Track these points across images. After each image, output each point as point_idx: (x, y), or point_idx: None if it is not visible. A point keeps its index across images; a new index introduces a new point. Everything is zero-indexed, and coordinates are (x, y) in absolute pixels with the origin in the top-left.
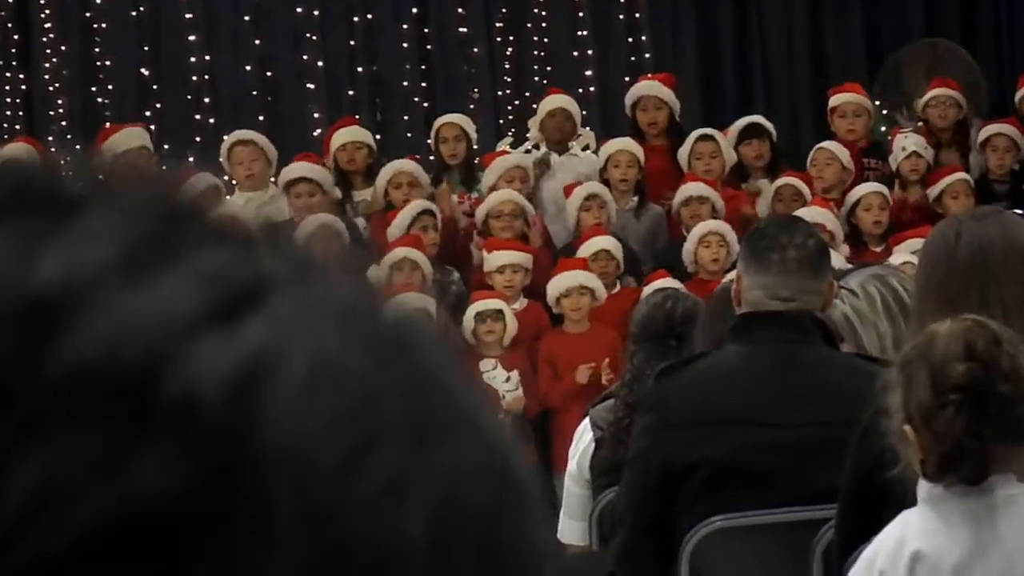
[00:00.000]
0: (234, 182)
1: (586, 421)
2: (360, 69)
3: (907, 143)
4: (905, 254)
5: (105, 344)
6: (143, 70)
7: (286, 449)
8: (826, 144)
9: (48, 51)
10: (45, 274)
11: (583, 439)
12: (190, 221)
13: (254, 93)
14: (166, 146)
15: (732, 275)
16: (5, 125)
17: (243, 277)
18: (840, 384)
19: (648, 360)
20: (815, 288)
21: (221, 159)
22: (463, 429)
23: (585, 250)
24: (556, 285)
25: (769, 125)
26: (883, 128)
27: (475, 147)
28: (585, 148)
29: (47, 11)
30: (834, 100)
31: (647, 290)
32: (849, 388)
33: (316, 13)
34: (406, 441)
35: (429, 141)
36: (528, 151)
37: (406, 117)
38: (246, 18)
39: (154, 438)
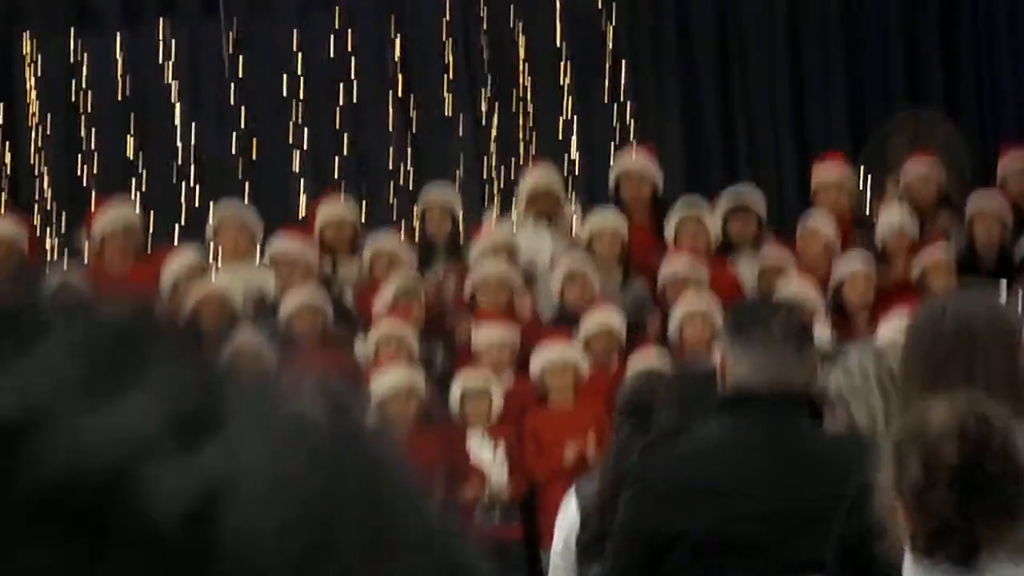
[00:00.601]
0: (220, 255)
1: (572, 496)
2: (345, 144)
3: (892, 218)
4: (891, 330)
5: (64, 467)
6: (129, 145)
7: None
8: (813, 216)
9: (33, 126)
10: (6, 401)
11: (569, 514)
12: (152, 339)
13: (239, 169)
14: (151, 220)
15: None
16: None
17: (201, 398)
18: (825, 459)
19: (633, 435)
20: (799, 364)
21: (207, 233)
22: (414, 545)
23: (587, 323)
24: (540, 360)
25: (759, 200)
26: (868, 200)
27: (460, 222)
28: (570, 219)
29: (33, 86)
30: (818, 171)
31: (632, 364)
32: (834, 463)
33: (301, 89)
34: (358, 560)
35: (415, 213)
36: (514, 223)
37: (391, 191)
38: (232, 94)
39: (111, 562)
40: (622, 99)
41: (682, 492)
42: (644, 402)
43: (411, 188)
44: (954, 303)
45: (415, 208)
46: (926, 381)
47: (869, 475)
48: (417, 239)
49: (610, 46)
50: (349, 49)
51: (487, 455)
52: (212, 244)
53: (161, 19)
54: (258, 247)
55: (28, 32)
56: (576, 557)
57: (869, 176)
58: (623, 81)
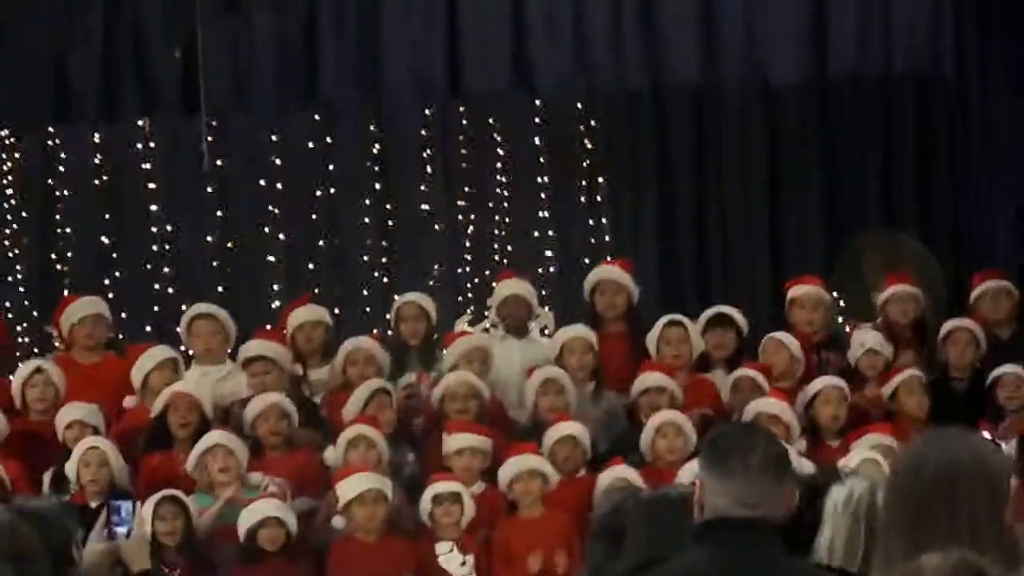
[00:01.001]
0: (192, 355)
1: None
2: (321, 243)
3: (866, 339)
4: (864, 450)
5: None
6: (103, 238)
7: None
8: (776, 334)
9: (8, 217)
10: None
11: None
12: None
13: (214, 263)
14: (124, 315)
15: (684, 472)
16: None
17: None
18: None
19: (606, 558)
20: (778, 494)
21: (180, 331)
22: None
23: (553, 434)
24: (508, 469)
25: (739, 317)
26: (839, 320)
27: (434, 327)
28: (544, 329)
29: (9, 176)
30: (793, 291)
31: (603, 477)
32: None
33: (279, 186)
34: None
35: (389, 316)
36: (487, 330)
37: (366, 292)
38: (208, 189)
39: None
40: (599, 214)
41: None
42: (618, 525)
43: (385, 288)
44: (936, 446)
45: (390, 309)
46: (908, 527)
47: None
48: (391, 343)
49: (587, 161)
50: (327, 146)
51: (456, 564)
52: (184, 344)
53: (140, 113)
54: (229, 349)
55: (6, 121)
56: None
57: (843, 294)
58: (599, 193)
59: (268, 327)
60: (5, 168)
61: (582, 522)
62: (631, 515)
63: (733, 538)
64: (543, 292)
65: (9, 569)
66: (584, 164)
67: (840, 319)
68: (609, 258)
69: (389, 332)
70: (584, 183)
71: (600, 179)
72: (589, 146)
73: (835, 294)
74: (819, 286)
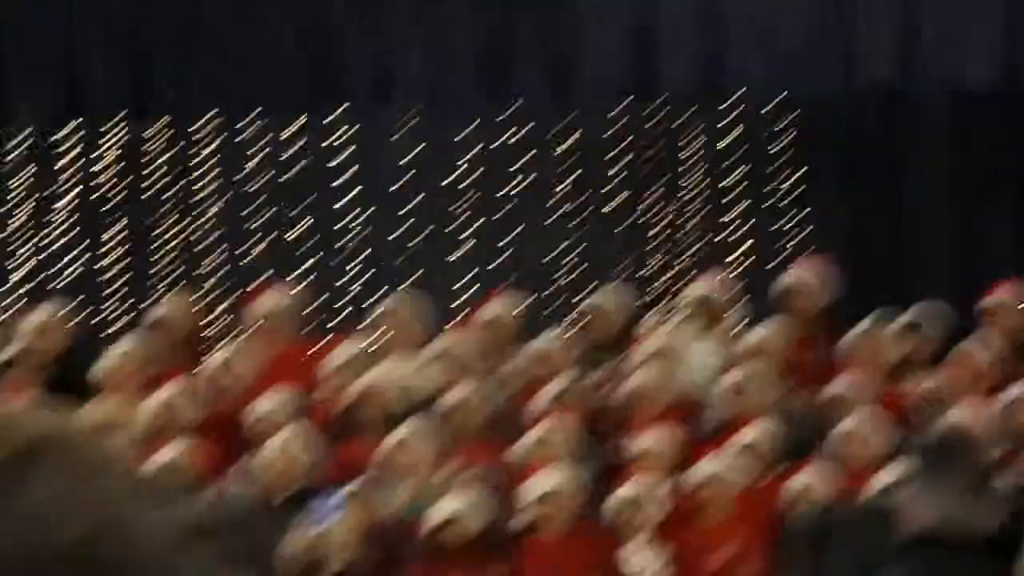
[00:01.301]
0: (385, 346)
1: None
2: (507, 240)
3: None
4: None
5: None
6: (294, 229)
7: None
8: (970, 341)
9: (205, 207)
10: None
11: None
12: None
13: (403, 259)
14: (314, 306)
15: (877, 480)
16: (159, 276)
17: None
18: None
19: (804, 568)
20: (985, 509)
21: (375, 323)
22: None
23: (736, 440)
24: (696, 473)
25: (935, 322)
26: None
27: (626, 325)
28: (734, 328)
29: (208, 165)
30: (989, 299)
31: (792, 482)
32: None
33: (467, 183)
34: None
35: (578, 312)
36: (675, 328)
37: (550, 290)
38: (400, 183)
39: None
40: (790, 211)
41: None
42: (818, 535)
43: (571, 286)
44: None
45: (577, 306)
46: None
47: None
48: (582, 340)
49: (779, 161)
50: (519, 142)
51: (647, 562)
52: (378, 335)
53: (337, 103)
54: (424, 341)
55: (213, 112)
56: None
57: None
58: (791, 194)
59: (456, 320)
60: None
61: (769, 527)
62: (836, 527)
63: (940, 555)
64: (732, 291)
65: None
66: (776, 164)
67: None
68: (800, 258)
69: (578, 328)
70: (776, 183)
71: (792, 179)
72: (782, 146)
73: None
74: (1014, 293)
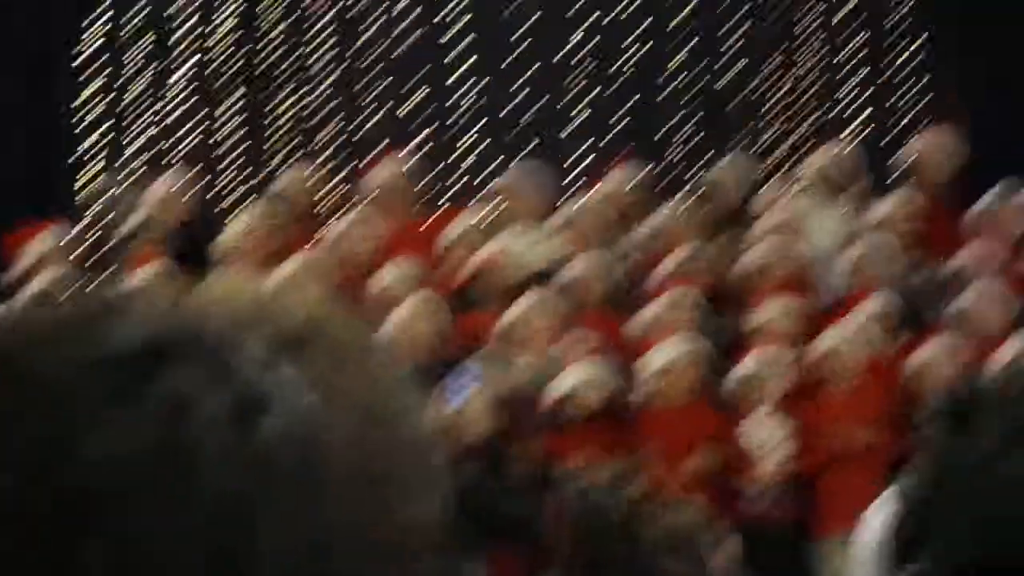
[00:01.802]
0: (508, 218)
1: (891, 494)
2: (624, 107)
3: None
4: None
5: None
6: (410, 100)
7: None
8: None
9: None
10: None
11: (885, 513)
12: None
13: (524, 124)
14: (433, 175)
15: (1009, 344)
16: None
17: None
18: None
19: (949, 439)
20: None
21: (494, 195)
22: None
23: (859, 312)
24: (821, 344)
25: None
26: None
27: (750, 195)
28: (856, 193)
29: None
30: None
31: (921, 351)
32: None
33: (587, 55)
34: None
35: (703, 176)
36: (796, 196)
37: (669, 155)
38: (518, 51)
39: None
40: (912, 76)
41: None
42: (964, 405)
43: (690, 155)
44: None
45: (694, 177)
46: None
47: None
48: (701, 212)
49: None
50: (633, 11)
51: (770, 432)
52: (497, 206)
53: None
54: (544, 213)
55: None
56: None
57: None
58: (913, 58)
59: (573, 192)
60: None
61: (893, 399)
62: (983, 401)
63: None
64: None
65: None
66: (896, 32)
67: None
68: (922, 128)
69: (697, 200)
70: (896, 51)
71: (912, 48)
72: (901, 15)
73: None
74: None
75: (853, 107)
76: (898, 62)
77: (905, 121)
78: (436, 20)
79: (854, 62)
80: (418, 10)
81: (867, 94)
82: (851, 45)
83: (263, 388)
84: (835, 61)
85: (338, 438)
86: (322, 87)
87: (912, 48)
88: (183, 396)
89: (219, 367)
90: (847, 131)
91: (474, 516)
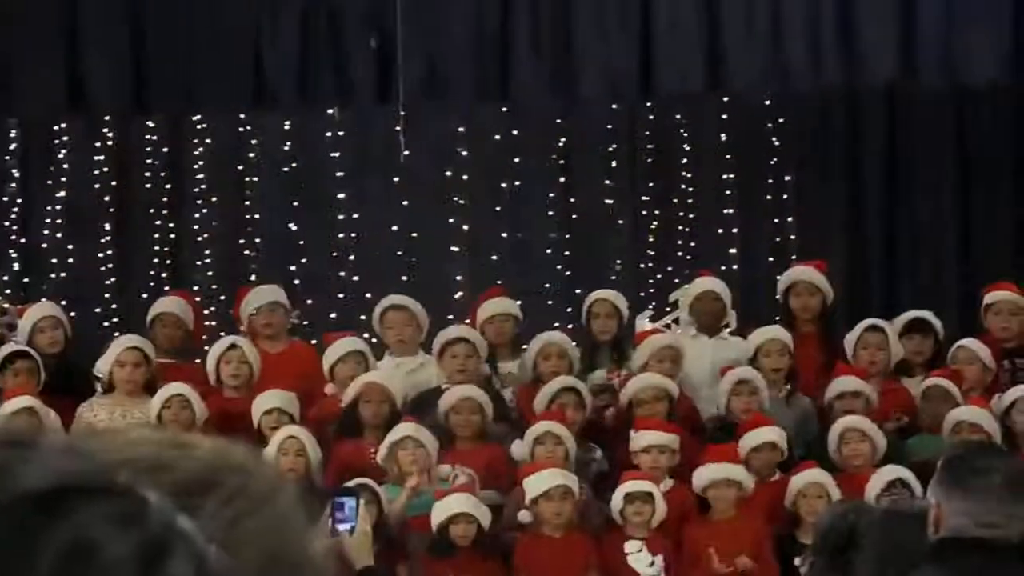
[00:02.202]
0: (384, 345)
1: None
2: (504, 235)
3: None
4: None
5: None
6: (291, 225)
7: None
8: (967, 342)
9: (199, 202)
10: None
11: None
12: None
13: (399, 253)
14: (309, 302)
15: (875, 479)
16: (152, 273)
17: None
18: None
19: (825, 571)
20: (1019, 514)
21: (374, 322)
22: None
23: (751, 439)
24: (704, 475)
25: (936, 322)
26: None
27: (625, 325)
28: (726, 326)
29: (200, 161)
30: (989, 298)
31: (796, 480)
32: None
33: (464, 177)
34: None
35: (569, 309)
36: (668, 326)
37: (547, 284)
38: (395, 179)
39: None
40: (785, 213)
41: None
42: (841, 538)
43: (567, 281)
44: None
45: (571, 303)
46: None
47: None
48: (582, 339)
49: (775, 159)
50: (514, 139)
51: (645, 564)
52: (377, 334)
53: (333, 101)
54: (422, 340)
55: (201, 109)
56: None
57: None
58: (787, 192)
59: (451, 317)
60: (197, 152)
61: (772, 525)
62: (866, 531)
63: (973, 558)
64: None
65: None
66: (772, 162)
67: None
68: (795, 257)
69: (570, 326)
70: (771, 181)
71: (787, 177)
72: (777, 144)
73: None
74: (1016, 293)
75: (727, 239)
76: (768, 198)
77: (771, 255)
78: (318, 142)
79: (728, 195)
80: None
81: (740, 226)
82: (727, 178)
83: (169, 533)
84: (713, 189)
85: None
86: (198, 214)
87: (781, 188)
88: (89, 539)
89: (126, 511)
90: (720, 260)
91: None
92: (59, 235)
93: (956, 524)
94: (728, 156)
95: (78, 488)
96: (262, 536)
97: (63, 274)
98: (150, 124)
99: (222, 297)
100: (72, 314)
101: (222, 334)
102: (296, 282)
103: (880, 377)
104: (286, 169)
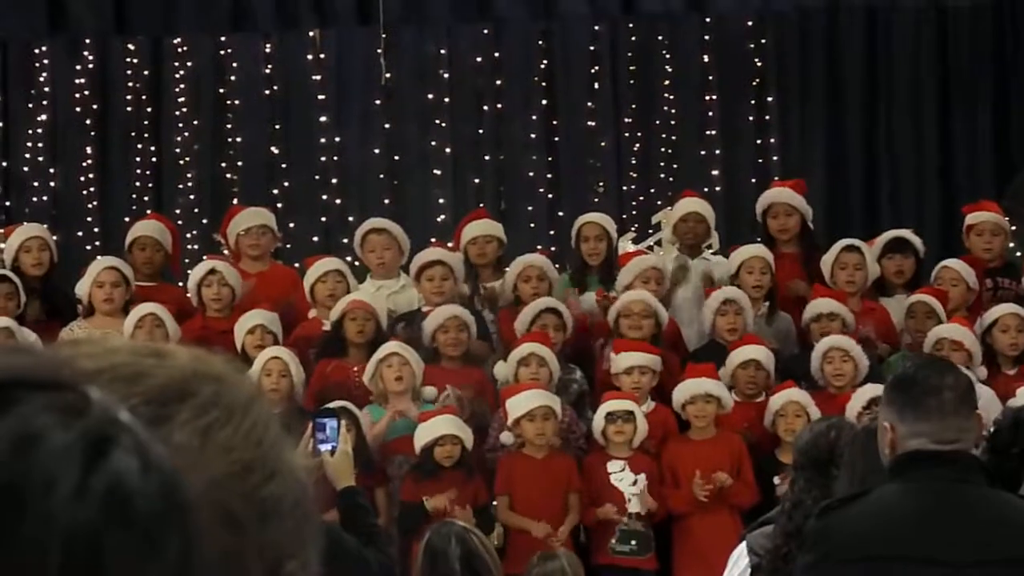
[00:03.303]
0: (367, 266)
1: (742, 546)
2: (487, 156)
3: None
4: None
5: None
6: (272, 148)
7: None
8: (951, 263)
9: (180, 124)
10: None
11: (739, 564)
12: None
13: (380, 175)
14: (291, 225)
15: (857, 397)
16: (134, 196)
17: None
18: (1011, 523)
19: (808, 488)
20: (971, 427)
21: (355, 245)
22: None
23: (737, 356)
24: (683, 391)
25: (917, 241)
26: (1011, 246)
27: (614, 247)
28: (708, 247)
29: (181, 85)
30: (971, 218)
31: (775, 399)
32: (1020, 527)
33: (446, 99)
34: None
35: (552, 232)
36: (651, 247)
37: (530, 207)
38: (376, 101)
39: None
40: (767, 134)
41: (864, 559)
42: (822, 454)
43: (550, 203)
44: None
45: (554, 225)
46: None
47: None
48: (571, 261)
49: (756, 79)
50: (496, 61)
51: (627, 483)
52: (359, 257)
53: (313, 24)
54: (403, 263)
55: (180, 32)
56: None
57: (1014, 220)
58: (768, 113)
59: (433, 240)
60: (177, 75)
61: (753, 442)
62: (846, 447)
63: (934, 471)
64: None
65: None
66: (754, 83)
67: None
68: (777, 178)
69: (552, 249)
70: (753, 102)
71: (769, 99)
72: (759, 65)
73: (1006, 218)
74: (997, 212)
75: (710, 160)
76: (750, 119)
77: (753, 176)
78: (299, 64)
79: (711, 116)
80: (283, 59)
81: (721, 147)
82: (708, 99)
83: (112, 425)
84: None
85: (205, 480)
86: (179, 137)
87: (763, 109)
88: (34, 428)
89: (70, 403)
90: (702, 181)
91: (337, 564)
92: (40, 158)
93: (912, 445)
94: (710, 77)
95: (23, 382)
96: (236, 446)
97: (44, 197)
98: (130, 47)
99: (203, 220)
100: (54, 238)
101: (204, 257)
102: (278, 205)
103: (857, 297)
104: (267, 92)
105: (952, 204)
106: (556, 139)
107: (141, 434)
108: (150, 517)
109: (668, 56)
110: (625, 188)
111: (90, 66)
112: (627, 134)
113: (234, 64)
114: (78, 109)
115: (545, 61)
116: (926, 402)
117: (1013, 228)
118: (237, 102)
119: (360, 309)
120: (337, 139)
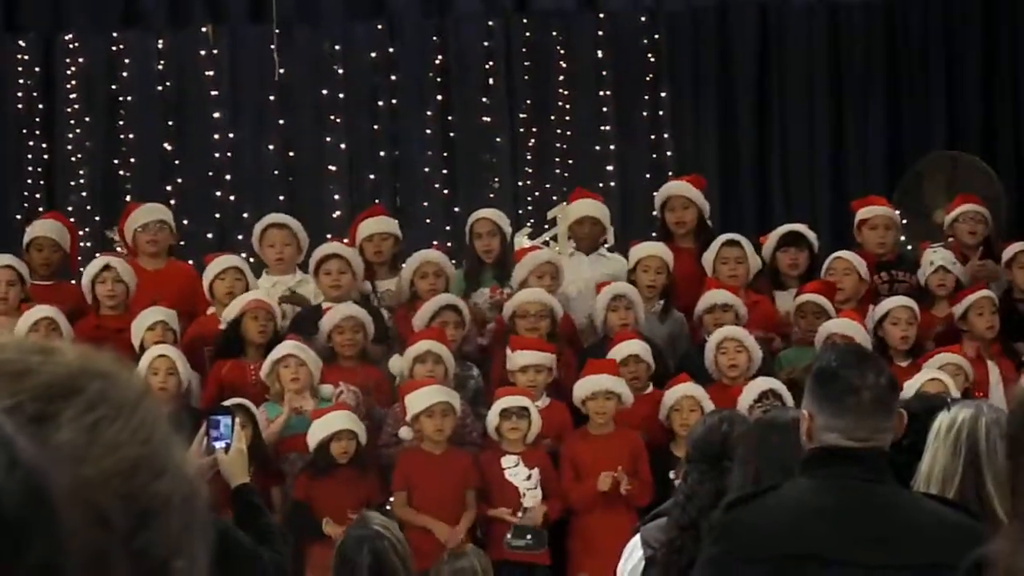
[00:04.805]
0: (264, 264)
1: (636, 539)
2: (382, 153)
3: (935, 258)
4: (933, 370)
5: None
6: (166, 144)
7: None
8: (843, 254)
9: (72, 122)
10: None
11: (633, 557)
12: None
13: (275, 172)
14: (185, 222)
15: (749, 389)
16: (26, 194)
17: None
18: (920, 526)
19: (701, 481)
20: (888, 427)
21: (253, 240)
22: None
23: (616, 353)
24: (583, 388)
25: (811, 236)
26: (902, 239)
27: (509, 243)
28: (604, 242)
29: (73, 81)
30: (863, 212)
31: (669, 395)
32: (930, 531)
33: (341, 96)
34: None
35: (448, 228)
36: (546, 243)
37: (426, 203)
38: (271, 97)
39: None
40: (661, 130)
41: (770, 558)
42: (715, 447)
43: (446, 200)
44: None
45: (451, 221)
46: None
47: (982, 549)
48: (465, 258)
49: (650, 76)
50: (390, 57)
51: (522, 478)
52: (257, 253)
53: (206, 20)
54: (300, 259)
55: (72, 28)
56: None
57: (904, 214)
58: (662, 109)
59: (329, 236)
60: (69, 72)
61: (648, 438)
62: (739, 440)
63: (845, 469)
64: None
65: None
66: (647, 79)
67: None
68: (671, 173)
69: (448, 245)
70: (647, 98)
71: (663, 94)
72: (652, 61)
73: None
74: (888, 207)
75: (604, 156)
76: (644, 115)
77: (647, 172)
78: (194, 61)
79: (605, 112)
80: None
81: (616, 143)
82: (603, 95)
83: None
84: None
85: (80, 479)
86: (71, 134)
87: (656, 105)
88: None
89: None
90: (597, 177)
91: (230, 562)
92: None
93: (827, 439)
94: (604, 74)
95: None
96: (124, 442)
97: None
98: (21, 43)
99: (96, 217)
100: None
101: (97, 255)
102: (172, 202)
103: (741, 291)
104: (160, 89)
105: (844, 200)
106: (451, 135)
107: (7, 431)
108: (13, 515)
109: (562, 52)
110: (521, 184)
111: None
112: (522, 130)
113: (126, 61)
114: None
115: (440, 58)
116: (844, 400)
117: (904, 222)
118: (130, 99)
119: (261, 308)
120: (231, 136)
